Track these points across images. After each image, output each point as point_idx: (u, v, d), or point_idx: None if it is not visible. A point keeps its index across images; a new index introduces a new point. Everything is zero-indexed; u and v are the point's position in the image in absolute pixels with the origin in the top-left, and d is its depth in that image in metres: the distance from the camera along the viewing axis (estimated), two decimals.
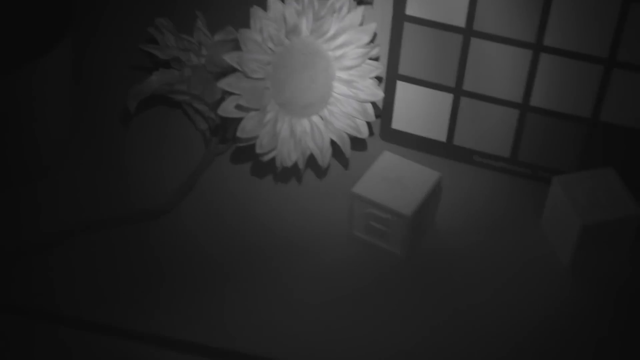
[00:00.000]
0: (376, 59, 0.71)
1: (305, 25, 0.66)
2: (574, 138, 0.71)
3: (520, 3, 0.66)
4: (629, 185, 0.69)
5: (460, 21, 0.69)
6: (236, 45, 0.68)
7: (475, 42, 0.69)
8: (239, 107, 0.65)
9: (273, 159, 0.72)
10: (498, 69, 0.70)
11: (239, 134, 0.65)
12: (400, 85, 0.73)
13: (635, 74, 0.67)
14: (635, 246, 0.68)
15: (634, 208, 0.65)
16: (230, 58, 0.64)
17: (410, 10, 0.70)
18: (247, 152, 0.73)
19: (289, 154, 0.68)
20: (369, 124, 0.71)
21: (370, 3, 0.72)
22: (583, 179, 0.67)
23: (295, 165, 0.72)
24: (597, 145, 0.70)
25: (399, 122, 0.75)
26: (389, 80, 0.73)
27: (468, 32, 0.69)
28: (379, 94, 0.69)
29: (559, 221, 0.67)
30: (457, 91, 0.71)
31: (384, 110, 0.74)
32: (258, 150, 0.66)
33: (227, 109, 0.65)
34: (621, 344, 0.63)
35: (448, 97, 0.72)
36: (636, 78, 0.67)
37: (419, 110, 0.74)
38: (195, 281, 0.65)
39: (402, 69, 0.72)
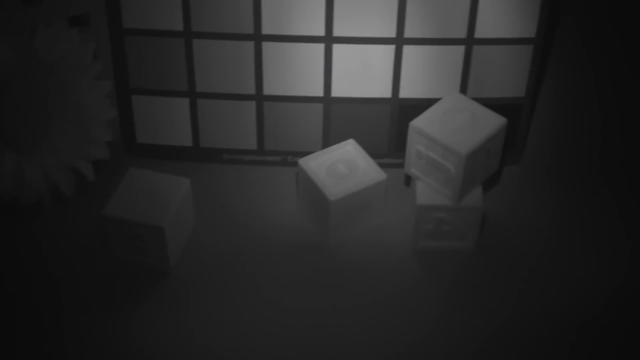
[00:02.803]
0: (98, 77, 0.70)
1: (17, 58, 0.64)
2: (313, 118, 0.72)
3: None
4: (371, 153, 0.71)
5: (178, 25, 0.69)
6: None
7: (197, 43, 0.69)
8: None
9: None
10: (226, 65, 0.70)
11: None
12: (135, 99, 0.72)
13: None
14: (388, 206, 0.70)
15: (378, 174, 0.67)
16: None
17: (127, 23, 0.69)
18: None
19: (30, 190, 0.66)
20: (109, 143, 0.70)
21: (87, 23, 0.71)
22: (326, 155, 0.69)
23: (39, 200, 0.69)
24: (335, 120, 0.72)
25: (143, 135, 0.74)
26: (122, 96, 0.72)
27: (189, 35, 0.69)
28: (112, 112, 0.68)
29: (311, 201, 0.68)
30: (192, 94, 0.71)
31: (124, 127, 0.73)
32: None
33: None
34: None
35: (185, 102, 0.72)
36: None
37: (160, 119, 0.73)
38: None
39: (133, 82, 0.71)
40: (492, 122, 0.65)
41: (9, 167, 0.65)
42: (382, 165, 0.68)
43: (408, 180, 0.71)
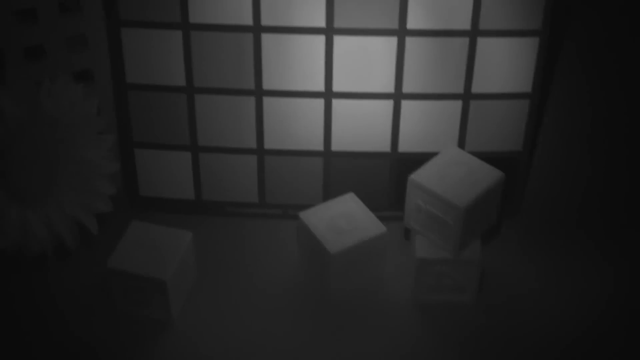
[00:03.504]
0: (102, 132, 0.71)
1: (23, 113, 0.65)
2: (313, 172, 0.73)
3: (232, 53, 0.68)
4: (371, 206, 0.72)
5: (180, 81, 0.70)
6: None
7: (199, 98, 0.70)
8: None
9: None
10: (228, 120, 0.71)
11: None
12: (138, 152, 0.73)
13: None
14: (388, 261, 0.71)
15: (378, 228, 0.68)
16: None
17: (131, 78, 0.70)
18: None
19: (34, 243, 0.66)
20: (112, 196, 0.71)
21: (91, 78, 0.72)
22: (327, 209, 0.69)
23: (43, 253, 0.70)
24: (335, 174, 0.73)
25: (145, 189, 0.75)
26: (125, 149, 0.73)
27: (190, 90, 0.70)
28: (115, 166, 0.69)
29: (312, 254, 0.69)
30: (194, 148, 0.72)
31: (127, 180, 0.74)
32: (0, 245, 0.65)
33: None
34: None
35: (187, 156, 0.73)
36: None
37: (162, 173, 0.74)
38: None
39: (136, 136, 0.72)
40: (490, 175, 0.66)
41: (14, 220, 0.65)
42: (382, 219, 0.69)
43: (407, 233, 0.72)
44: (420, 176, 0.66)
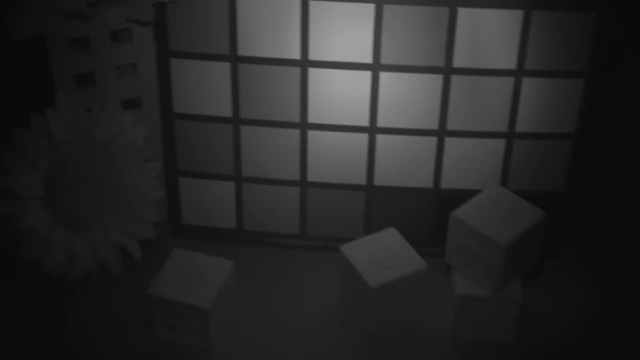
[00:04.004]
0: (149, 159, 0.72)
1: (73, 138, 0.66)
2: (355, 206, 0.73)
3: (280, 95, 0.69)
4: (412, 241, 0.72)
5: (227, 112, 0.71)
6: (5, 169, 0.68)
7: (245, 129, 0.71)
8: (15, 230, 0.64)
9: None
10: (272, 151, 0.72)
11: (23, 254, 0.65)
12: (183, 181, 0.74)
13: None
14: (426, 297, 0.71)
15: (418, 263, 0.68)
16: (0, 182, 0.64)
17: (178, 108, 0.71)
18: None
19: (79, 267, 0.67)
20: (156, 223, 0.71)
21: (139, 106, 0.73)
22: (368, 243, 0.70)
23: (87, 276, 0.71)
24: (377, 208, 0.73)
25: (188, 217, 0.75)
26: (170, 177, 0.74)
27: (237, 121, 0.71)
28: (160, 194, 0.70)
29: (352, 287, 0.69)
30: (238, 178, 0.73)
31: (171, 207, 0.75)
32: (45, 268, 0.66)
33: (5, 233, 0.65)
34: None
35: (230, 186, 0.74)
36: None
37: (205, 202, 0.75)
38: None
39: (181, 165, 0.73)
40: (532, 215, 0.66)
41: (60, 244, 0.67)
42: (422, 254, 0.69)
43: (447, 269, 0.72)
44: (463, 213, 0.66)
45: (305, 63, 0.68)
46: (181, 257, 0.69)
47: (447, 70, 0.68)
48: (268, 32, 0.68)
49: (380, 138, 0.71)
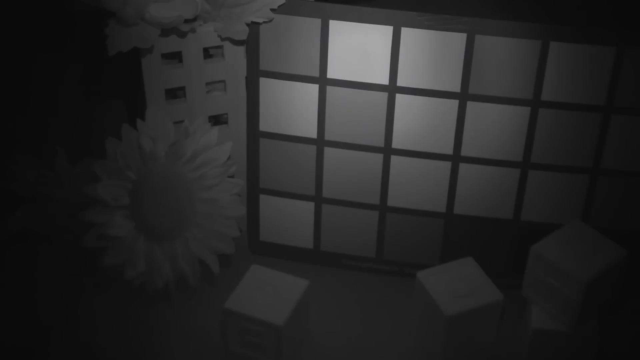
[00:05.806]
0: (232, 175, 0.73)
1: (161, 151, 0.68)
2: (433, 233, 0.73)
3: (366, 120, 0.70)
4: (489, 272, 0.72)
5: (312, 132, 0.72)
6: (95, 177, 0.70)
7: (328, 151, 0.72)
8: (100, 237, 0.66)
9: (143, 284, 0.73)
10: (354, 174, 0.73)
11: (106, 261, 0.66)
12: (263, 199, 0.75)
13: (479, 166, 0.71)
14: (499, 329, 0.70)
15: (494, 294, 0.68)
16: (89, 190, 0.65)
17: (263, 126, 0.72)
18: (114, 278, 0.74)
19: (158, 277, 0.68)
20: (235, 239, 0.72)
21: (225, 123, 0.74)
22: (445, 271, 0.70)
23: (166, 287, 0.72)
24: (455, 237, 0.73)
25: (266, 234, 0.76)
26: (252, 195, 0.75)
27: (321, 143, 0.72)
28: (241, 210, 0.71)
29: (426, 314, 0.69)
30: (318, 199, 0.74)
31: (250, 224, 0.76)
32: (127, 277, 0.67)
33: (90, 239, 0.66)
34: None
35: (310, 206, 0.74)
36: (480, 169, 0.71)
37: (284, 220, 0.76)
38: None
39: (263, 183, 0.74)
40: (614, 252, 0.66)
41: (142, 253, 0.68)
42: (499, 285, 0.69)
43: (524, 302, 0.72)
44: (544, 247, 0.66)
45: (393, 89, 0.69)
46: (258, 273, 0.70)
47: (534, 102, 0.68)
48: (357, 58, 0.69)
49: (463, 167, 0.71)
